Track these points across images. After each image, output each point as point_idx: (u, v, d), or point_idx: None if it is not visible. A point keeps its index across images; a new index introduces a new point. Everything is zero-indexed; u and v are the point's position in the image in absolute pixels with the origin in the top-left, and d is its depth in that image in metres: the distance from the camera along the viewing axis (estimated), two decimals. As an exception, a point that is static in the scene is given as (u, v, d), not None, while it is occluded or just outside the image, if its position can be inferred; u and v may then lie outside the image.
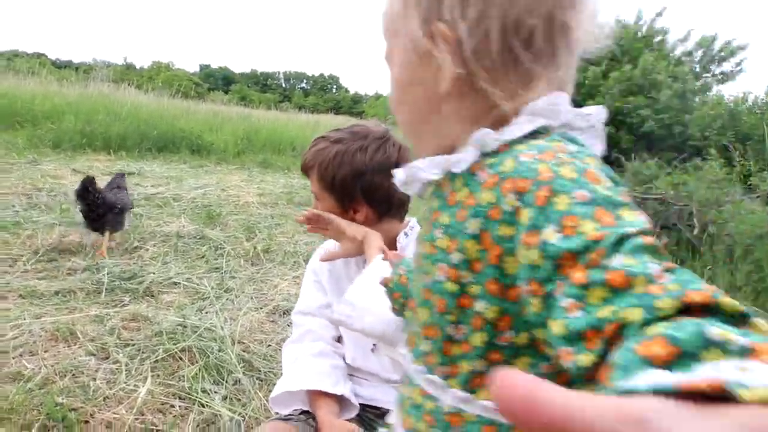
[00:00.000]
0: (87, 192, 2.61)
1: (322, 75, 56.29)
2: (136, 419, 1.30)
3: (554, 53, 0.42)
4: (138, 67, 39.18)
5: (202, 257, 2.72)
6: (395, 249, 1.05)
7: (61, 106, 7.37)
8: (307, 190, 4.79)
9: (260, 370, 1.56)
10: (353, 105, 55.98)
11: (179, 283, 2.27)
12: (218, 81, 46.56)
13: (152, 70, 34.49)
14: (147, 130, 7.22)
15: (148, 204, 3.94)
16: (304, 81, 55.03)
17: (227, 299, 2.17)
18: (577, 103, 0.44)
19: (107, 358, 1.57)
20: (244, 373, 1.50)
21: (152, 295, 2.13)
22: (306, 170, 1.05)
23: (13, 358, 1.51)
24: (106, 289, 2.15)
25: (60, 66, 36.94)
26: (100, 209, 2.62)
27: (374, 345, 1.00)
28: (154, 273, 2.37)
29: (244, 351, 1.70)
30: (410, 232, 1.08)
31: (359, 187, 1.00)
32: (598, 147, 0.44)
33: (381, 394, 1.01)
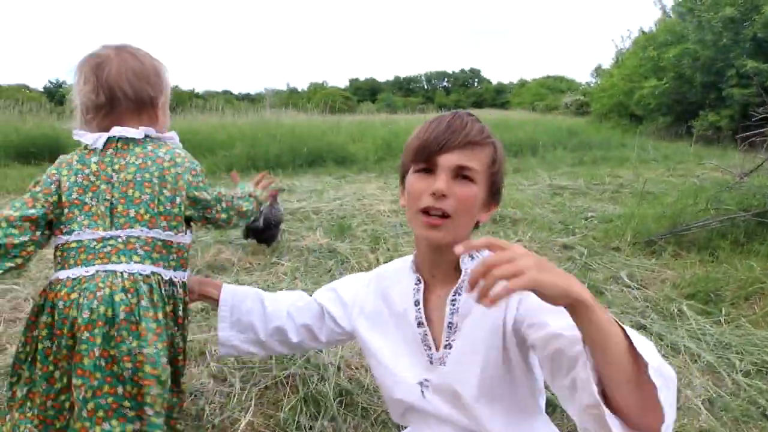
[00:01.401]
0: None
1: (462, 70, 55.58)
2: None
3: None
4: (300, 89, 43.61)
5: (329, 272, 2.77)
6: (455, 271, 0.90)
7: (234, 135, 8.53)
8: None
9: (359, 405, 1.46)
10: (496, 96, 53.93)
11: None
12: (366, 92, 49.27)
13: (310, 91, 38.18)
14: (299, 147, 7.91)
15: (291, 218, 4.24)
16: (445, 79, 54.96)
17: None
18: None
19: (225, 380, 1.64)
20: (339, 410, 1.41)
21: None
22: (473, 144, 0.86)
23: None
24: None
25: (240, 98, 43.52)
26: (262, 225, 2.94)
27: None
28: (282, 290, 2.47)
29: (348, 380, 1.62)
30: (477, 256, 0.88)
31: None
32: None
33: None
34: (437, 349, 0.90)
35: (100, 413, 0.86)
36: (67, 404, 0.90)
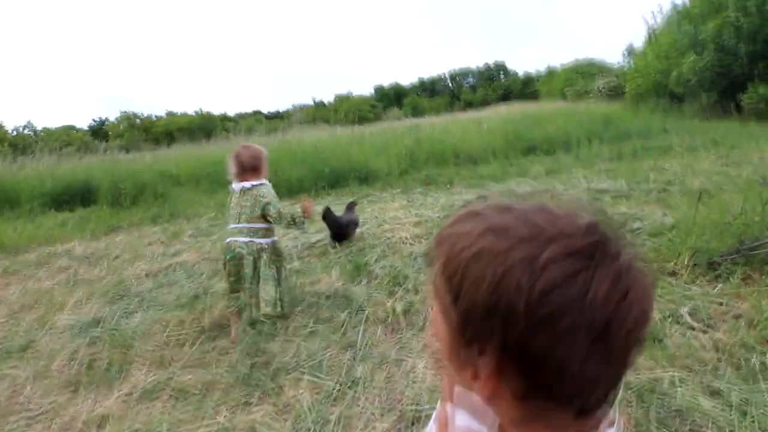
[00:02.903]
0: (328, 215, 3.99)
1: (486, 65, 54.32)
2: None
3: None
4: (326, 102, 43.89)
5: (341, 327, 2.48)
6: None
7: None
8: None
9: None
10: (524, 87, 52.48)
11: (305, 372, 2.04)
12: (391, 98, 49.04)
13: (336, 104, 38.37)
14: (321, 168, 7.71)
15: (309, 254, 4.00)
16: (470, 76, 53.89)
17: (351, 396, 1.84)
18: None
19: None
20: None
21: (277, 393, 1.94)
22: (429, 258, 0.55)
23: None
24: (240, 380, 2.05)
25: (270, 117, 44.24)
26: (341, 228, 3.99)
27: None
28: (287, 357, 2.20)
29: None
30: None
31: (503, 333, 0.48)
32: None
33: None
34: None
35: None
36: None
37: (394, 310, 2.50)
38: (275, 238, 2.68)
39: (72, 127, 32.15)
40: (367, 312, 2.58)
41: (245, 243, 2.51)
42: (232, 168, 2.59)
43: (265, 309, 2.52)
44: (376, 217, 4.96)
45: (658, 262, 2.77)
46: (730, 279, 2.41)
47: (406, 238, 4.00)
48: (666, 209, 4.10)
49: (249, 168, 2.55)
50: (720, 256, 2.53)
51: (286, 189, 7.15)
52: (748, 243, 2.51)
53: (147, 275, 3.90)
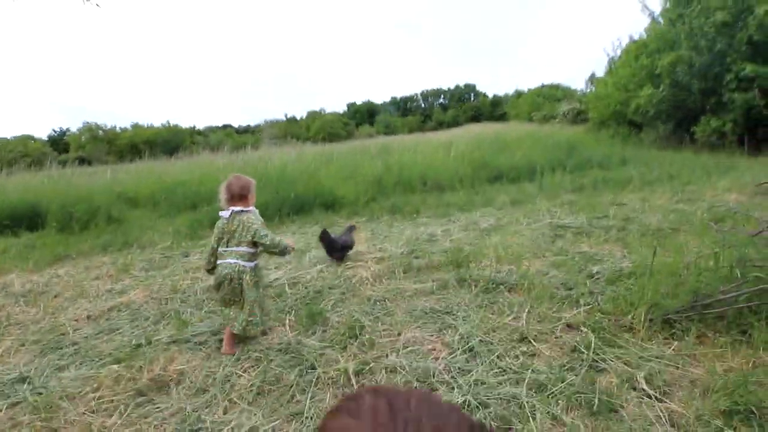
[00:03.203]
0: (324, 236, 4.42)
1: (457, 86, 55.56)
2: None
3: None
4: (299, 118, 43.63)
5: (289, 390, 2.32)
6: None
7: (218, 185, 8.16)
8: (429, 247, 4.34)
9: None
10: (493, 109, 53.85)
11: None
12: (364, 115, 49.28)
13: (308, 120, 38.21)
14: (287, 192, 7.52)
15: (264, 294, 3.81)
16: (442, 96, 54.94)
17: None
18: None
19: None
20: None
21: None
22: None
23: None
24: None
25: (240, 132, 43.59)
26: (335, 248, 4.41)
27: None
28: (226, 430, 2.02)
29: None
30: None
31: None
32: None
33: None
34: None
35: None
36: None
37: (346, 371, 2.36)
38: (257, 262, 2.94)
39: (30, 137, 30.71)
40: (318, 372, 2.42)
41: (231, 264, 2.80)
42: (222, 195, 2.87)
43: (239, 328, 2.78)
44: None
45: (616, 315, 2.74)
46: (686, 338, 2.39)
47: (367, 278, 3.87)
48: (625, 249, 4.13)
49: (237, 196, 2.85)
50: (675, 312, 2.51)
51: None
52: (701, 299, 2.50)
53: (89, 317, 3.62)
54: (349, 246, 4.47)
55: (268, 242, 2.76)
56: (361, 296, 3.49)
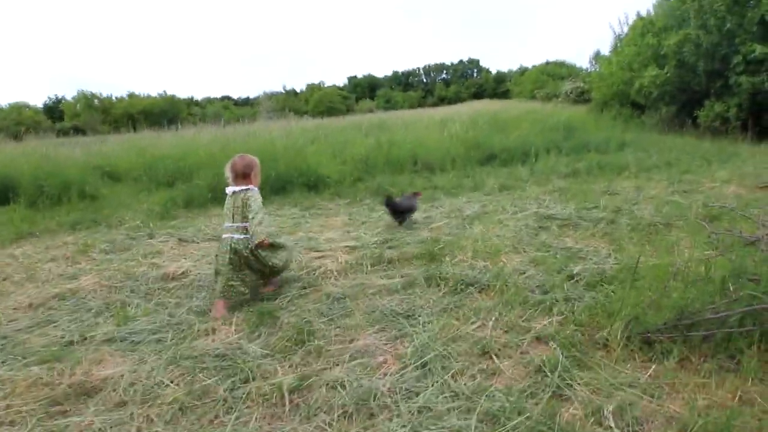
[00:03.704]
0: (388, 201, 4.77)
1: (461, 61, 54.14)
2: None
3: None
4: (298, 91, 42.60)
5: (215, 407, 2.03)
6: None
7: (200, 161, 7.77)
8: (406, 236, 3.96)
9: None
10: (497, 86, 52.68)
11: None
12: (365, 89, 48.24)
13: (307, 93, 37.31)
14: (267, 171, 7.14)
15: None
16: (444, 72, 53.61)
17: None
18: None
19: None
20: None
21: None
22: None
23: None
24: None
25: (240, 104, 42.66)
26: (398, 211, 4.77)
27: None
28: None
29: None
30: None
31: None
32: None
33: None
34: None
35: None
36: None
37: (280, 391, 2.06)
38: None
39: (25, 105, 30.02)
40: (250, 386, 2.14)
41: (238, 239, 3.01)
42: (228, 174, 3.10)
43: (219, 289, 3.04)
44: (310, 239, 4.51)
45: (591, 327, 2.44)
46: (666, 361, 2.09)
47: (332, 271, 3.57)
48: (612, 245, 3.82)
49: (241, 175, 3.08)
50: (656, 330, 2.21)
51: (222, 191, 6.58)
52: (687, 317, 2.19)
53: (30, 305, 3.34)
54: (411, 209, 4.81)
55: (254, 223, 2.95)
56: (322, 292, 3.20)
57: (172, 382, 2.26)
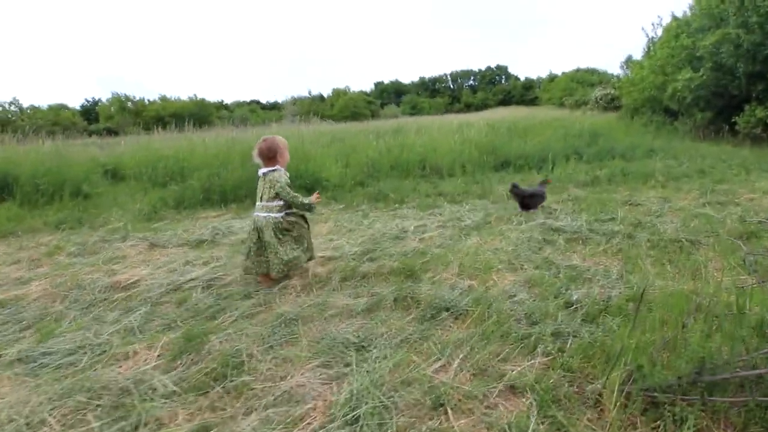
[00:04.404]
0: (514, 189, 4.93)
1: (489, 68, 53.13)
2: None
3: None
4: (324, 96, 42.67)
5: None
6: None
7: (201, 162, 7.50)
8: (392, 246, 3.45)
9: None
10: (525, 93, 51.51)
11: None
12: (391, 94, 47.95)
13: (333, 97, 37.25)
14: (266, 173, 6.78)
15: (168, 300, 3.10)
16: (471, 78, 52.71)
17: None
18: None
19: None
20: None
21: None
22: None
23: None
24: None
25: (268, 108, 43.06)
26: (524, 198, 4.86)
27: None
28: None
29: None
30: None
31: None
32: None
33: None
34: None
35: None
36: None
37: (167, 443, 1.61)
38: (283, 214, 3.16)
39: (64, 107, 31.05)
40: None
41: (263, 217, 3.09)
42: (256, 159, 3.18)
43: (272, 271, 3.10)
44: (287, 246, 4.06)
45: (583, 376, 1.88)
46: (680, 429, 1.52)
47: (295, 286, 3.10)
48: (625, 265, 3.20)
49: (266, 157, 3.14)
50: (666, 388, 1.63)
51: (220, 198, 6.26)
52: (710, 370, 1.61)
53: (-33, 314, 3.01)
54: (540, 196, 4.88)
55: (288, 197, 3.08)
56: (274, 311, 2.73)
57: (57, 422, 1.83)
